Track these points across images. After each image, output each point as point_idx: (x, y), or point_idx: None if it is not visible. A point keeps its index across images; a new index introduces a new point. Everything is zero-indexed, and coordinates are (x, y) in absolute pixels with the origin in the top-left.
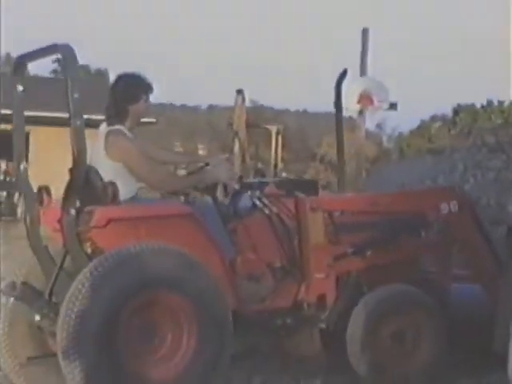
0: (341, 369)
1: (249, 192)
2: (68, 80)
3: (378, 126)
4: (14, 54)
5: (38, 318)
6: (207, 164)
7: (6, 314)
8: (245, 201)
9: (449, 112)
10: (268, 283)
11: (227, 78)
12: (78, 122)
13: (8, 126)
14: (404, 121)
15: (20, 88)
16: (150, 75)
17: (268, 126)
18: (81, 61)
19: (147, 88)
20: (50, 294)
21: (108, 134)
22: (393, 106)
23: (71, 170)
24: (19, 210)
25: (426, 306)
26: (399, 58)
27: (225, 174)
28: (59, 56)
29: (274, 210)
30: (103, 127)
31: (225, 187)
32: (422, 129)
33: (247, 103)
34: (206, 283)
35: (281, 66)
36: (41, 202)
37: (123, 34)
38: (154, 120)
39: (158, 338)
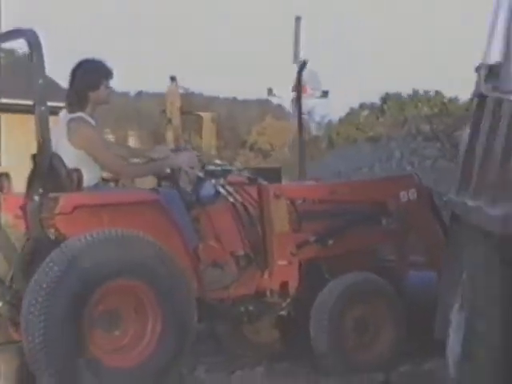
0: (302, 355)
1: (212, 180)
2: (32, 66)
3: (308, 113)
4: None
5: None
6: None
7: None
8: (208, 188)
9: (377, 100)
10: (231, 271)
11: (155, 65)
12: (43, 108)
13: None
14: (333, 109)
15: None
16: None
17: (200, 113)
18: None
19: (107, 74)
20: (12, 281)
21: (70, 121)
22: (324, 94)
23: (34, 157)
24: None
25: (386, 294)
26: (330, 47)
27: (186, 161)
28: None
29: (238, 197)
30: (63, 114)
31: (185, 174)
32: (351, 116)
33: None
34: (170, 270)
35: (210, 52)
36: (1, 189)
37: (52, 20)
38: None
39: (123, 325)
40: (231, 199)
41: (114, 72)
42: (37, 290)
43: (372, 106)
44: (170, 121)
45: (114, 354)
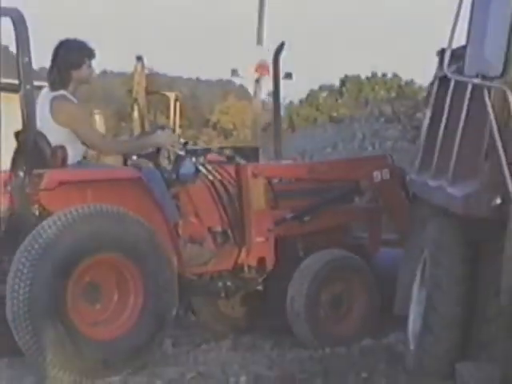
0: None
1: (192, 158)
2: (17, 45)
3: (269, 94)
4: None
5: None
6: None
7: None
8: (188, 167)
9: (336, 82)
10: (210, 247)
11: (120, 44)
12: (28, 87)
13: None
14: (294, 91)
15: None
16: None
17: (166, 93)
18: None
19: (89, 53)
20: None
21: (53, 99)
22: (288, 76)
23: (18, 134)
24: None
25: (360, 270)
26: (293, 29)
27: (167, 139)
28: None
29: (217, 175)
30: (46, 92)
31: (166, 153)
32: (311, 98)
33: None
34: (151, 246)
35: (174, 32)
36: None
37: None
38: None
39: (104, 298)
40: (210, 177)
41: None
42: (22, 262)
43: (331, 88)
44: (135, 100)
45: (94, 327)
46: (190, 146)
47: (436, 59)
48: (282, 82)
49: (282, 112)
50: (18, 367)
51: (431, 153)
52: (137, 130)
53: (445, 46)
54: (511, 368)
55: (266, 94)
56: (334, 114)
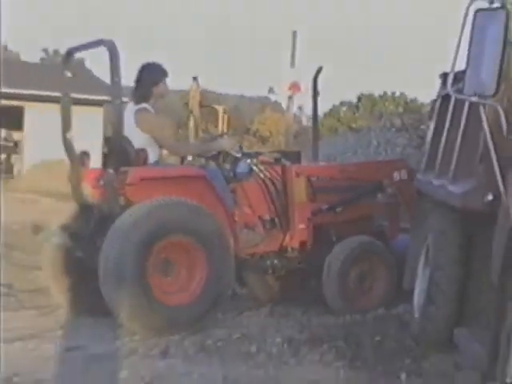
0: (316, 302)
1: (247, 160)
2: (111, 69)
3: (299, 108)
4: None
5: (79, 253)
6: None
7: (50, 252)
8: (243, 166)
9: (354, 99)
10: (260, 232)
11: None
12: (118, 101)
13: (8, 102)
14: (319, 105)
15: (68, 74)
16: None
17: (216, 106)
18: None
19: (165, 73)
20: (90, 236)
21: (137, 111)
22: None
23: (108, 139)
24: (15, 169)
25: (381, 253)
26: (320, 54)
27: (227, 144)
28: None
29: (267, 174)
30: (131, 105)
31: (226, 155)
32: (333, 112)
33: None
34: (213, 230)
35: (222, 56)
36: (82, 164)
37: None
38: (127, 100)
39: (176, 272)
40: (262, 175)
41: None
42: (112, 240)
43: (349, 104)
44: (191, 112)
45: (166, 294)
46: (245, 150)
47: (437, 81)
48: (308, 98)
49: (310, 123)
50: (102, 326)
51: (434, 157)
52: (192, 137)
53: (442, 69)
54: (499, 331)
55: (296, 108)
56: (353, 125)
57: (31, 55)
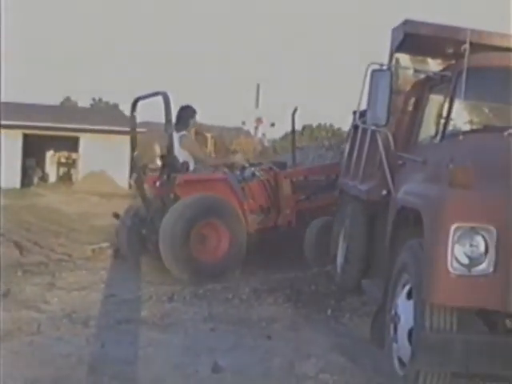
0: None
1: (251, 168)
2: (166, 113)
3: (263, 135)
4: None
5: (144, 231)
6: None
7: (125, 231)
8: (249, 172)
9: (299, 128)
10: (261, 215)
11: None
12: (170, 132)
13: (69, 133)
14: (276, 132)
15: (135, 116)
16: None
17: (206, 134)
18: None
19: (195, 112)
20: (150, 220)
21: (180, 137)
22: (273, 125)
23: (163, 156)
24: (73, 178)
25: None
26: (278, 96)
27: (239, 158)
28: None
29: (265, 177)
30: (175, 133)
31: (238, 165)
32: (286, 137)
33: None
34: (232, 214)
35: (212, 99)
36: (144, 172)
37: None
38: (145, 130)
39: (209, 241)
40: (261, 178)
41: (148, 109)
42: (180, 223)
43: (297, 131)
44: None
45: (202, 255)
46: (250, 162)
47: (351, 116)
48: (270, 128)
49: (270, 144)
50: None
51: (349, 166)
52: None
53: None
54: (389, 279)
55: (260, 134)
56: (298, 145)
57: (85, 102)
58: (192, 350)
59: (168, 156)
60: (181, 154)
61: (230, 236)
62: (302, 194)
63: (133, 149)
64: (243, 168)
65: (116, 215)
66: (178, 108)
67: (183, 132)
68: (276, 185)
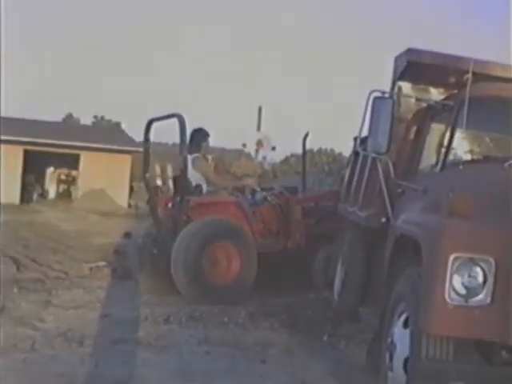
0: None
1: (263, 192)
2: (181, 134)
3: (263, 157)
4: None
5: (155, 251)
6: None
7: (136, 250)
8: (260, 196)
9: (300, 152)
10: (270, 238)
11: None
12: (184, 155)
13: (70, 151)
14: (276, 156)
15: (149, 138)
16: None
17: (208, 156)
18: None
19: (208, 134)
20: (162, 240)
21: (193, 159)
22: (273, 148)
23: (175, 179)
24: (73, 195)
25: None
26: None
27: (251, 182)
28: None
29: (276, 201)
30: (189, 155)
31: (247, 189)
32: (285, 160)
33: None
34: (244, 237)
35: (213, 122)
36: (156, 194)
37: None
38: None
39: (220, 263)
40: (273, 202)
41: (160, 129)
42: (179, 244)
43: (297, 155)
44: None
45: (214, 277)
46: (262, 186)
47: (352, 142)
48: (271, 152)
49: (270, 167)
50: (125, 301)
51: (349, 192)
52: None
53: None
54: (386, 306)
55: (261, 157)
56: (298, 170)
57: (87, 119)
58: (186, 372)
59: (181, 178)
60: (193, 177)
61: (241, 258)
62: (312, 219)
63: (145, 170)
64: (254, 192)
65: (127, 234)
66: (191, 130)
67: (196, 154)
68: (287, 209)
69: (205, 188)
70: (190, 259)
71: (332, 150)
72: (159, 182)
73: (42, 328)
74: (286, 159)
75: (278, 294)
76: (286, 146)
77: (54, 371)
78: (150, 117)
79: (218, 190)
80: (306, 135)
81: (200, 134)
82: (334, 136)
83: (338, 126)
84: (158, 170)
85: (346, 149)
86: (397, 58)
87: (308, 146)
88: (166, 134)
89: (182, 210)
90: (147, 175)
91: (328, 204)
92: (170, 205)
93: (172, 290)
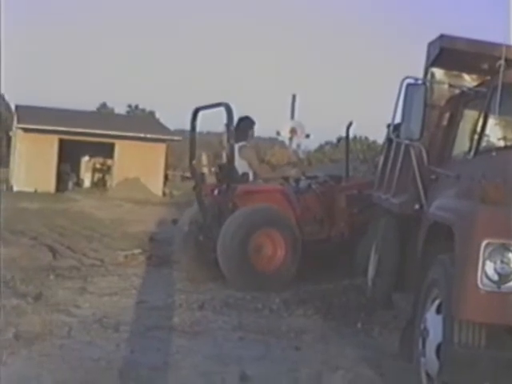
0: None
1: (307, 180)
2: (228, 123)
3: (298, 145)
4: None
5: (201, 237)
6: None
7: (182, 237)
8: (304, 184)
9: (334, 140)
10: (315, 226)
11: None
12: (232, 142)
13: (105, 139)
14: (310, 144)
15: (195, 126)
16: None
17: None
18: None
19: (254, 122)
20: (208, 227)
21: (240, 147)
22: (307, 136)
23: (221, 166)
24: (108, 184)
25: None
26: (313, 107)
27: (295, 171)
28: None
29: (320, 189)
30: (236, 144)
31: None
32: (320, 148)
33: (222, 129)
34: (289, 225)
35: (248, 111)
36: (202, 180)
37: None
38: (180, 138)
39: (266, 250)
40: (317, 191)
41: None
42: (226, 231)
43: (331, 143)
44: (224, 148)
45: (260, 264)
46: (307, 174)
47: (385, 129)
48: (304, 140)
49: (304, 156)
50: (159, 288)
51: (382, 180)
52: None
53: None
54: (419, 292)
55: (295, 145)
56: (333, 158)
57: (121, 108)
58: (220, 358)
59: (228, 165)
60: (240, 165)
61: (286, 246)
62: (356, 207)
63: (191, 158)
64: (298, 180)
65: (174, 221)
66: (237, 119)
67: (242, 142)
68: (331, 198)
69: (251, 176)
70: (237, 246)
71: (366, 138)
72: (205, 170)
73: (78, 314)
74: (321, 147)
75: (313, 281)
76: (321, 133)
77: (89, 357)
78: (184, 105)
79: (262, 179)
80: (350, 124)
81: (246, 123)
82: (368, 124)
83: (372, 113)
84: (204, 159)
85: (380, 137)
86: (430, 44)
87: (343, 134)
88: (202, 122)
89: (228, 198)
90: (193, 163)
91: (371, 192)
92: (216, 192)
93: (215, 276)
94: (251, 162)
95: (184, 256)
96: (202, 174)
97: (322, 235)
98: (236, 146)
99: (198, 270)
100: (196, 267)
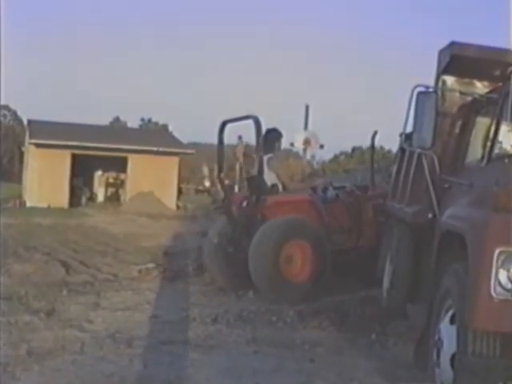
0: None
1: (334, 190)
2: (256, 135)
3: (312, 156)
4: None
5: (230, 249)
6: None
7: (212, 249)
8: (331, 194)
9: (349, 150)
10: (343, 236)
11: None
12: (261, 154)
13: (118, 154)
14: (325, 154)
15: (222, 139)
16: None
17: (254, 155)
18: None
19: (281, 135)
20: (237, 238)
21: (268, 159)
22: (321, 147)
23: (250, 179)
24: (121, 198)
25: None
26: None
27: (321, 182)
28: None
29: (347, 199)
30: (264, 156)
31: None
32: (334, 159)
33: (235, 141)
34: (318, 235)
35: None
36: (231, 193)
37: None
38: (193, 151)
39: (295, 261)
40: (344, 200)
41: (208, 130)
42: (255, 244)
43: (346, 153)
44: (238, 159)
45: (289, 275)
46: (334, 185)
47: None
48: (319, 150)
49: (319, 166)
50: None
51: (396, 189)
52: (237, 175)
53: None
54: (433, 303)
55: (309, 156)
56: (346, 168)
57: (134, 122)
58: (234, 371)
59: (258, 177)
60: (268, 176)
61: (315, 256)
62: (382, 217)
63: (219, 170)
64: (326, 189)
65: (203, 234)
66: (265, 131)
67: (270, 154)
68: (358, 208)
69: (280, 188)
70: (268, 258)
71: (382, 148)
72: (207, 183)
73: (90, 330)
74: (335, 157)
75: (334, 292)
76: (335, 144)
77: (102, 372)
78: (197, 118)
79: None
80: (375, 133)
81: (273, 135)
82: (383, 133)
83: (387, 123)
84: (205, 170)
85: (394, 146)
86: (440, 52)
87: (358, 144)
88: (205, 135)
89: (258, 209)
90: (222, 175)
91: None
92: (244, 204)
93: (246, 288)
94: (279, 174)
95: (214, 268)
96: (230, 186)
97: (350, 244)
98: (264, 159)
99: (228, 281)
100: (226, 279)
